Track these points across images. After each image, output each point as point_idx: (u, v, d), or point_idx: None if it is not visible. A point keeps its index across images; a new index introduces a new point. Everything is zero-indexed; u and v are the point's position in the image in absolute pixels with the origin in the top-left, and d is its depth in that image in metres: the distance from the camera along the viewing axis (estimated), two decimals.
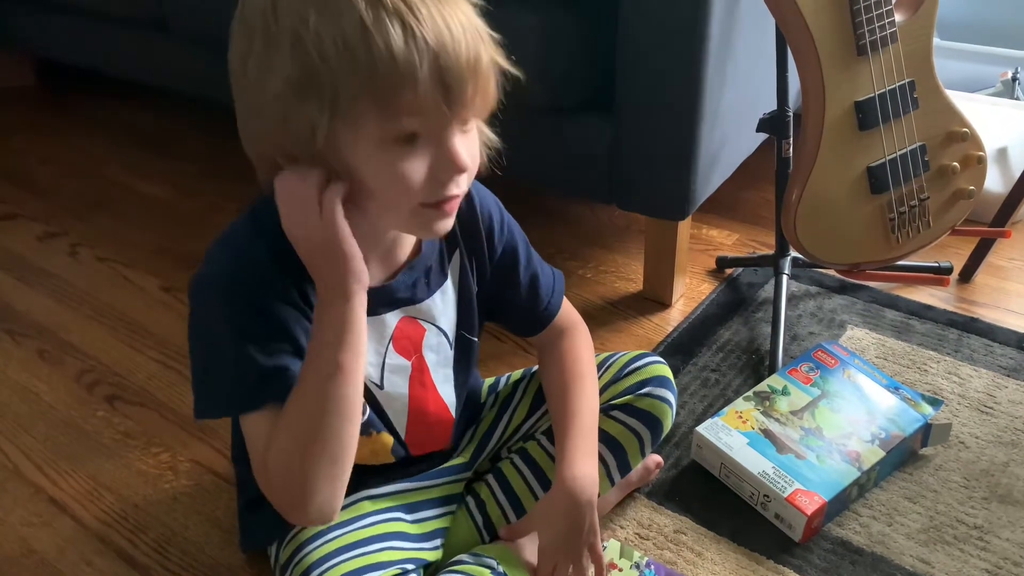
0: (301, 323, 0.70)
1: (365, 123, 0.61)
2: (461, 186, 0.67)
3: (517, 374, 0.96)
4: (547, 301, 0.87)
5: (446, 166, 0.64)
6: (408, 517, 0.84)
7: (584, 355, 0.88)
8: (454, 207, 0.68)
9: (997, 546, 0.90)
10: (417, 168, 0.64)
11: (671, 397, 0.89)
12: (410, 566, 0.78)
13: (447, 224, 0.69)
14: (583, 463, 0.80)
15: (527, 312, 0.87)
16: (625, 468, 0.89)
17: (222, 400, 0.70)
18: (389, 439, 0.82)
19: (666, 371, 0.91)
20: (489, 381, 0.97)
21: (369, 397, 0.78)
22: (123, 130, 1.95)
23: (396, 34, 0.59)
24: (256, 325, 0.68)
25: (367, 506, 0.82)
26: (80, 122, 2.00)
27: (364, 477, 0.83)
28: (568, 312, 0.89)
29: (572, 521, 0.79)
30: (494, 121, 0.70)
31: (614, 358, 0.92)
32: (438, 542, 0.84)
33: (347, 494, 0.81)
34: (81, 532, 0.95)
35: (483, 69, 0.63)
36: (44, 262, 1.45)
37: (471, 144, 0.67)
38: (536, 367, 0.94)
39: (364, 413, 0.78)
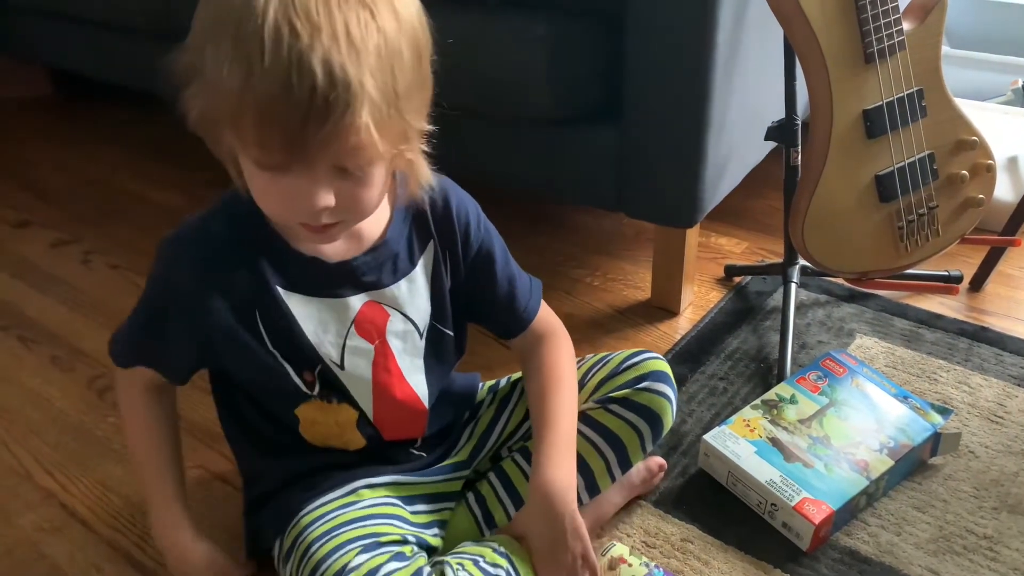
0: (223, 315, 0.76)
1: (231, 140, 0.65)
2: (324, 220, 0.66)
3: (516, 375, 0.97)
4: (525, 304, 0.88)
5: (300, 202, 0.65)
6: (406, 507, 0.84)
7: (563, 362, 0.88)
8: (330, 234, 0.69)
9: (1007, 556, 0.89)
10: (277, 193, 0.66)
11: (670, 392, 0.89)
12: (411, 538, 0.79)
13: (328, 242, 0.72)
14: (557, 469, 0.80)
15: (506, 312, 0.88)
16: (626, 464, 0.89)
17: (113, 346, 0.84)
18: (352, 412, 0.82)
19: (664, 366, 0.91)
20: (490, 383, 0.97)
21: (329, 377, 0.80)
22: (137, 139, 1.97)
23: (238, 68, 0.58)
24: (166, 297, 0.77)
25: (365, 493, 0.83)
26: (94, 131, 2.02)
27: (361, 469, 0.84)
28: (547, 319, 0.90)
29: (552, 527, 0.79)
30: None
31: (611, 356, 0.92)
32: (436, 530, 0.85)
33: (345, 482, 0.83)
34: (91, 537, 0.95)
35: (343, 123, 0.59)
36: (57, 269, 1.46)
37: (355, 188, 0.65)
38: None
39: (313, 389, 0.80)
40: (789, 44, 1.11)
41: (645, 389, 0.88)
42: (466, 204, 0.83)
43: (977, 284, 1.33)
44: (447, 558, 0.78)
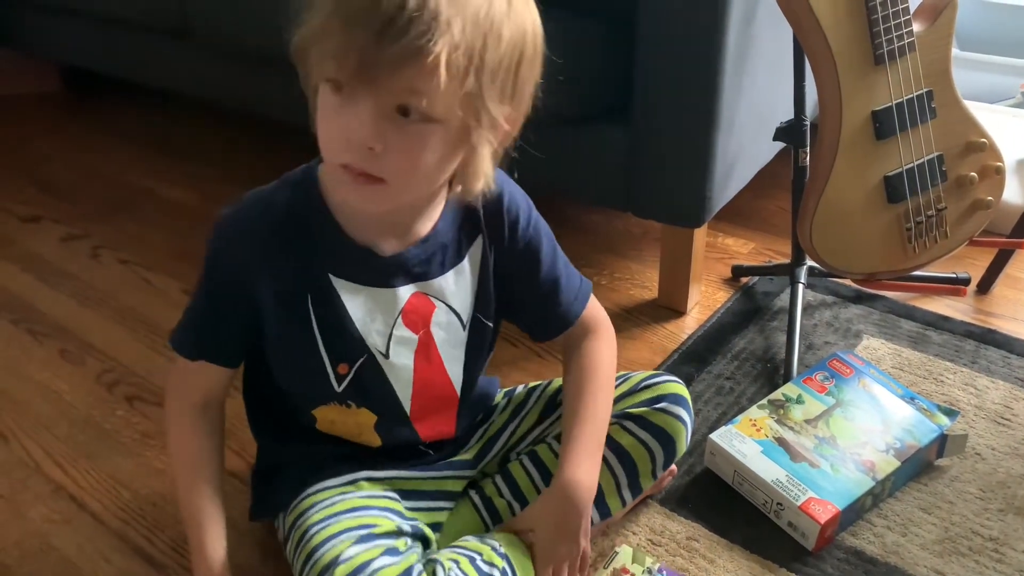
0: (277, 296, 0.76)
1: (315, 65, 0.65)
2: (362, 164, 0.64)
3: (534, 383, 0.97)
4: (566, 306, 0.86)
5: (353, 132, 0.63)
6: (404, 503, 0.85)
7: (603, 360, 0.87)
8: (373, 193, 0.66)
9: (1013, 558, 0.89)
10: (335, 124, 0.65)
11: (687, 417, 0.90)
12: (407, 528, 0.80)
13: (357, 197, 0.68)
14: (580, 468, 0.81)
15: (539, 314, 0.87)
16: (636, 487, 0.89)
17: (178, 337, 0.81)
18: (371, 416, 0.83)
19: (683, 390, 0.91)
20: (506, 388, 0.98)
21: (374, 367, 0.80)
22: (147, 135, 1.97)
23: None
24: (225, 289, 0.76)
25: (366, 486, 0.84)
26: (104, 127, 2.03)
27: (367, 461, 0.85)
28: (595, 315, 0.89)
29: (565, 522, 0.80)
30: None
31: (630, 375, 0.93)
32: (431, 528, 0.85)
33: (348, 471, 0.84)
34: (100, 529, 0.96)
35: (417, 46, 0.59)
36: (66, 264, 1.47)
37: (405, 137, 0.64)
38: (554, 380, 0.95)
39: (342, 382, 0.80)
40: (799, 45, 1.11)
41: (662, 410, 0.88)
42: (517, 200, 0.82)
43: (985, 287, 1.33)
44: (440, 555, 0.78)
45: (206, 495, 0.82)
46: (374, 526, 0.78)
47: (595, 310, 0.89)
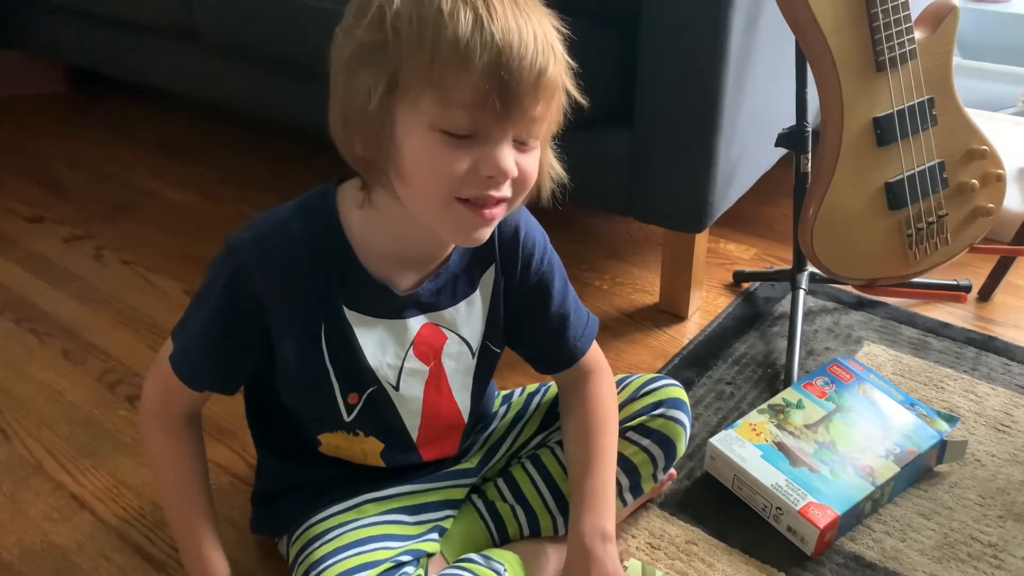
0: (291, 325, 0.74)
1: (423, 105, 0.63)
2: (502, 191, 0.66)
3: (532, 387, 0.97)
4: (573, 342, 0.86)
5: (488, 163, 0.64)
6: (409, 519, 0.85)
7: (607, 402, 0.87)
8: (494, 216, 0.67)
9: (1012, 564, 0.89)
10: (459, 158, 0.64)
11: (685, 420, 0.90)
12: (406, 557, 0.79)
13: (483, 232, 0.69)
14: (599, 518, 0.79)
15: (548, 348, 0.86)
16: (637, 490, 0.90)
17: (183, 368, 0.78)
18: (378, 444, 0.83)
19: (681, 394, 0.91)
20: (504, 392, 0.98)
21: (383, 398, 0.80)
22: (151, 136, 1.98)
23: (465, 21, 0.61)
24: (239, 316, 0.74)
25: (369, 509, 0.84)
26: (109, 128, 2.03)
27: (369, 481, 0.85)
28: (594, 356, 0.88)
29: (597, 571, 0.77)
30: None
31: (629, 379, 0.92)
32: (436, 535, 0.85)
33: (351, 495, 0.84)
34: (100, 528, 0.96)
35: (546, 82, 0.63)
36: (69, 264, 1.48)
37: (527, 159, 0.67)
38: (551, 383, 0.94)
39: (352, 412, 0.80)
40: (801, 51, 1.12)
41: (661, 415, 0.89)
42: (534, 235, 0.82)
43: (986, 294, 1.33)
44: None
45: (203, 507, 0.82)
46: (377, 563, 0.77)
47: (597, 355, 0.89)
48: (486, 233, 0.69)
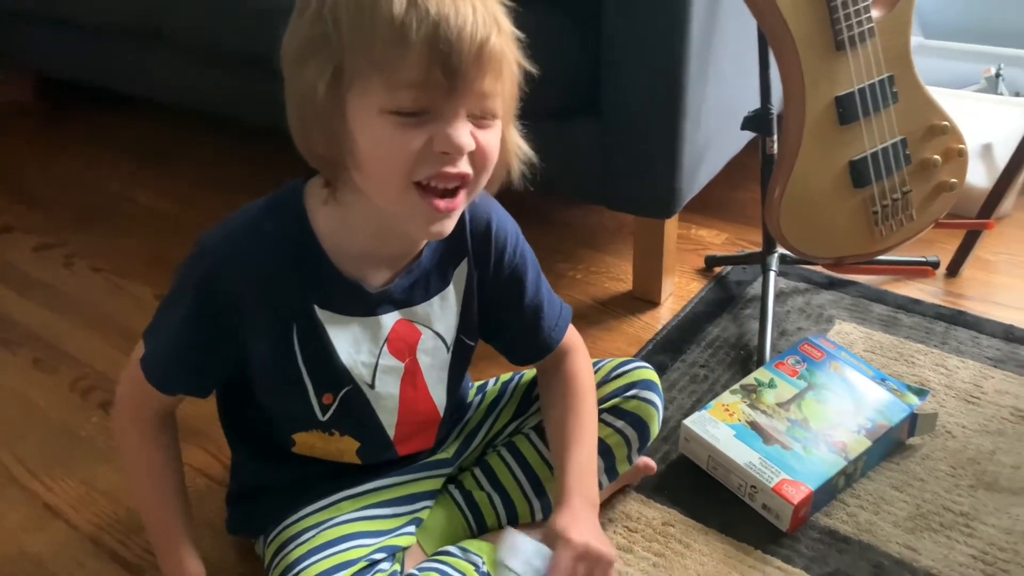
0: (263, 327, 0.74)
1: (370, 90, 0.63)
2: (459, 167, 0.65)
3: (506, 376, 0.97)
4: (548, 332, 0.86)
5: (441, 138, 0.64)
6: (386, 512, 0.85)
7: (584, 377, 0.87)
8: (451, 207, 0.67)
9: (983, 532, 0.90)
10: (412, 138, 0.63)
11: (657, 400, 0.90)
12: (380, 555, 0.79)
13: (444, 224, 0.68)
14: (588, 485, 0.80)
15: (520, 340, 0.87)
16: (612, 471, 0.90)
17: (153, 371, 0.77)
18: (354, 443, 0.83)
19: (652, 375, 0.91)
20: (478, 383, 0.98)
21: (359, 397, 0.79)
22: (121, 142, 1.97)
23: (400, 1, 0.61)
24: (213, 318, 0.73)
25: (346, 506, 0.83)
26: (79, 135, 2.02)
27: (345, 478, 0.85)
28: (571, 339, 0.89)
29: (591, 528, 0.77)
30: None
31: (601, 363, 0.93)
32: (412, 528, 0.85)
33: (327, 493, 0.83)
34: (74, 535, 0.95)
35: (489, 52, 0.63)
36: (39, 273, 1.46)
37: (485, 135, 0.66)
38: (525, 373, 0.95)
39: (326, 413, 0.79)
40: (763, 34, 1.12)
41: (633, 397, 0.89)
42: (506, 227, 0.82)
43: (954, 269, 1.35)
44: None
45: (178, 510, 0.82)
46: (351, 562, 0.77)
47: (572, 334, 0.89)
48: (447, 226, 0.69)
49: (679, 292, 1.34)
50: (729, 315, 1.26)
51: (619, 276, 1.39)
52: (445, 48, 0.61)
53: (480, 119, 0.66)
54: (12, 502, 1.00)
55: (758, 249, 1.30)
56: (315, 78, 0.63)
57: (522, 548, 0.75)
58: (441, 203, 0.66)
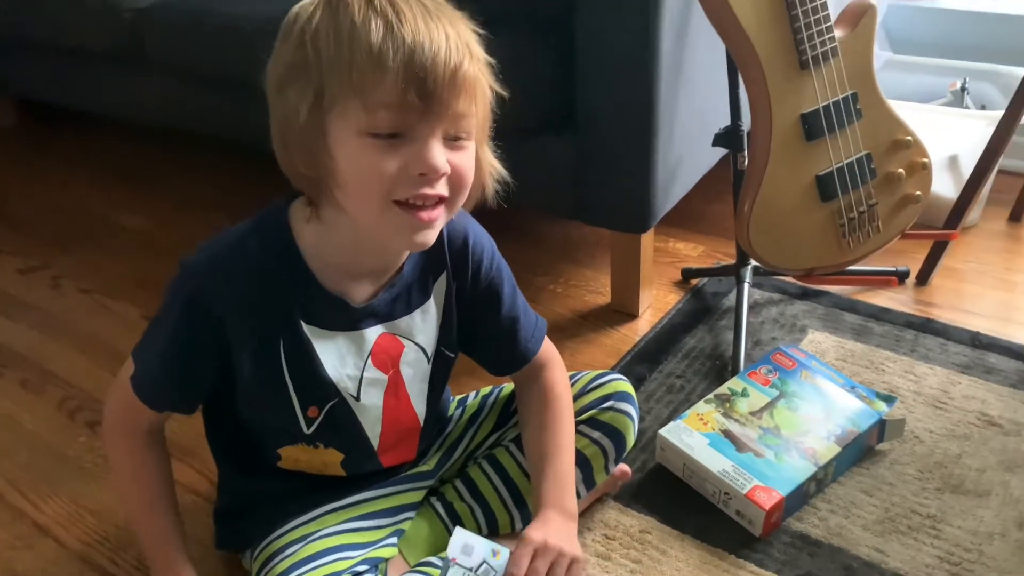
0: (249, 343, 0.76)
1: (349, 113, 0.66)
2: (437, 188, 0.68)
3: (486, 389, 1.00)
4: (524, 344, 0.89)
5: (417, 160, 0.67)
6: (369, 524, 0.87)
7: (561, 389, 0.90)
8: (432, 218, 0.70)
9: (949, 534, 0.93)
10: (389, 159, 0.66)
11: (633, 412, 0.93)
12: (363, 567, 0.81)
13: (426, 235, 0.71)
14: (567, 498, 0.83)
15: (499, 352, 0.89)
16: (590, 482, 0.92)
17: (143, 390, 0.79)
18: (338, 455, 0.85)
19: (628, 387, 0.94)
20: (459, 396, 1.00)
21: (344, 410, 0.82)
22: (104, 164, 1.98)
23: (377, 29, 0.64)
24: (199, 336, 0.75)
25: (330, 519, 0.85)
26: (61, 158, 2.03)
27: (329, 490, 0.87)
28: (548, 351, 0.91)
29: (563, 531, 0.80)
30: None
31: (578, 376, 0.95)
32: (394, 540, 0.87)
33: (312, 507, 0.85)
34: (63, 554, 0.97)
35: (463, 77, 0.66)
36: (26, 295, 1.48)
37: (460, 157, 0.69)
38: (505, 386, 0.97)
39: (311, 426, 0.82)
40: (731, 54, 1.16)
41: (610, 408, 0.92)
42: (483, 241, 0.85)
43: (923, 278, 1.38)
44: None
45: (171, 522, 0.84)
46: (335, 574, 0.79)
47: (548, 347, 0.92)
48: (430, 236, 0.71)
49: (657, 304, 1.37)
50: (705, 326, 1.29)
51: (598, 289, 1.42)
52: (420, 72, 0.64)
53: (455, 140, 0.69)
54: (1, 521, 1.01)
55: (733, 261, 1.33)
56: (297, 102, 0.67)
57: (476, 548, 0.78)
58: (423, 214, 0.69)
